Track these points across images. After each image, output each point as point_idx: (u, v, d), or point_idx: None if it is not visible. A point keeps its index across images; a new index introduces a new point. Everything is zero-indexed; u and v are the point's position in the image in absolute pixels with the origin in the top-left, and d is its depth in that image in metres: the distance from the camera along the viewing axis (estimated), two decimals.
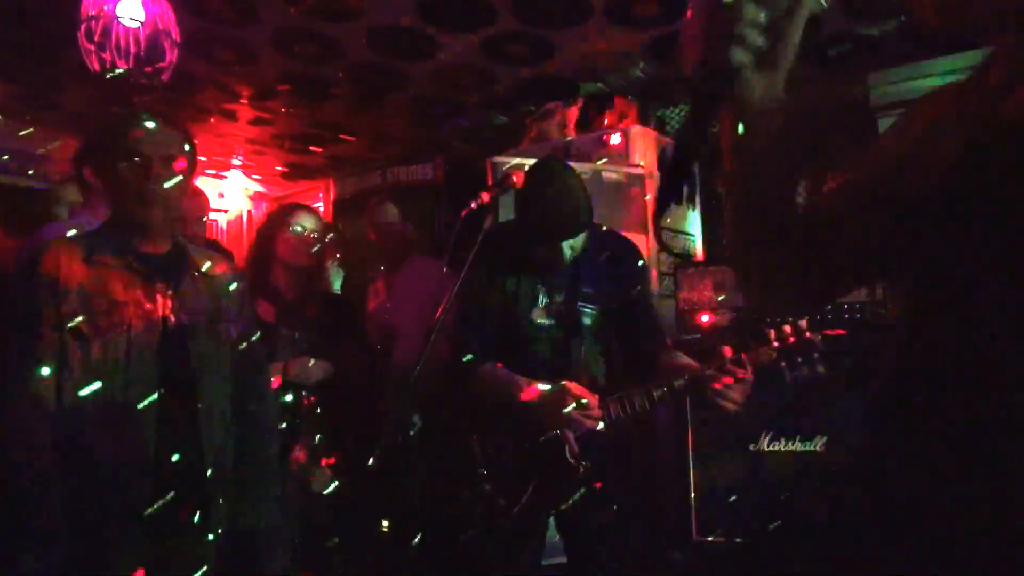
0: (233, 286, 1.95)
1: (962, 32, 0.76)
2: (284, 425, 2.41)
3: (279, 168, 6.38)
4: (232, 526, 1.82)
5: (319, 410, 2.57)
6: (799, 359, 1.90)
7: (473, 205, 1.96)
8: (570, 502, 2.05)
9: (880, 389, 0.80)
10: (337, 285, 3.92)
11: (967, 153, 0.67)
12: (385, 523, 2.82)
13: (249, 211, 6.97)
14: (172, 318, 1.75)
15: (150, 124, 1.77)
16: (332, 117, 5.03)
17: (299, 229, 2.61)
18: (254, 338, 2.03)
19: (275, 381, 2.40)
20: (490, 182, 3.39)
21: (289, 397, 2.49)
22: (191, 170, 1.85)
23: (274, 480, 1.98)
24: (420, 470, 2.84)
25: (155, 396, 1.68)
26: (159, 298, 1.74)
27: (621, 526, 2.09)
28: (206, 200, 3.36)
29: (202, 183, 6.12)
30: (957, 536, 0.67)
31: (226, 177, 6.70)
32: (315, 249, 2.66)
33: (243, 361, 1.95)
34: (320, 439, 2.54)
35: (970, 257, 0.67)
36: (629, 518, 2.13)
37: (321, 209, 6.10)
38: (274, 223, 2.67)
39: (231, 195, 6.89)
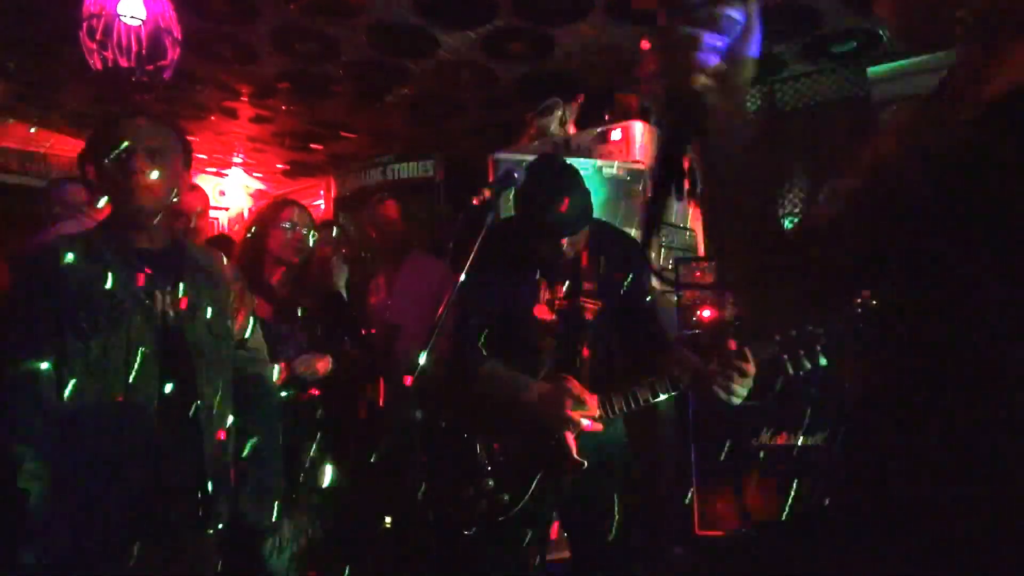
0: (232, 282, 1.95)
1: (924, 37, 0.78)
2: (287, 421, 2.41)
3: (280, 166, 6.38)
4: (234, 524, 1.83)
5: (321, 407, 2.57)
6: (801, 352, 1.90)
7: (475, 202, 1.95)
8: (573, 499, 2.05)
9: (880, 388, 0.80)
10: (343, 282, 3.91)
11: (963, 152, 0.67)
12: (388, 520, 2.82)
13: (250, 209, 6.97)
14: (171, 314, 1.75)
15: (135, 119, 1.77)
16: (332, 115, 5.03)
17: (289, 225, 2.61)
18: (255, 334, 2.03)
19: (280, 377, 2.40)
20: (491, 179, 3.38)
21: (290, 393, 2.50)
22: (184, 164, 1.85)
23: (276, 478, 1.98)
24: (422, 468, 2.84)
25: (155, 394, 1.68)
26: (158, 295, 1.74)
27: (623, 522, 2.09)
28: (204, 196, 3.35)
29: (203, 181, 6.13)
30: (957, 536, 0.67)
31: (227, 175, 6.70)
32: (306, 245, 2.66)
33: (244, 357, 1.95)
34: (323, 435, 2.54)
35: (970, 257, 0.67)
36: (631, 514, 2.13)
37: (322, 207, 6.11)
38: (265, 220, 2.66)
39: (232, 193, 6.89)
